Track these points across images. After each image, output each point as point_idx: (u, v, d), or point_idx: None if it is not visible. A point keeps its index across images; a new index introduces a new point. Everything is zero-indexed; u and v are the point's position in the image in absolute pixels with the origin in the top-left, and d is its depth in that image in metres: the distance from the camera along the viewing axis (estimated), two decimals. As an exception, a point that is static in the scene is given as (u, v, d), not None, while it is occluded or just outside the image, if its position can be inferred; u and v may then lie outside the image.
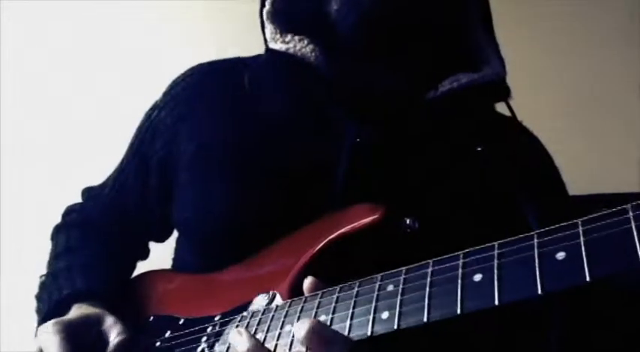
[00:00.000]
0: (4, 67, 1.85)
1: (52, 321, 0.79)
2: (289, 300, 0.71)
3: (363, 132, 0.79)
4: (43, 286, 0.91)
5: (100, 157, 1.76)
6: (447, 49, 0.85)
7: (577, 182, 0.94)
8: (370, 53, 0.82)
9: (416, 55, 0.83)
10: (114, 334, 0.79)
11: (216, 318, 0.77)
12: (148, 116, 0.95)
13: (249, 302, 0.75)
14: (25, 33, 1.88)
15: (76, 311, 0.83)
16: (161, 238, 1.02)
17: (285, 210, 0.79)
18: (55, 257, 0.95)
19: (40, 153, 1.82)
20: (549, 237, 0.52)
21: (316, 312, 0.66)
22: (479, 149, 0.83)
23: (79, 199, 1.06)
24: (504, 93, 0.86)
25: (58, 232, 1.00)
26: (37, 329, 0.84)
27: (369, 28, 0.79)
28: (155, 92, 0.96)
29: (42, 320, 0.84)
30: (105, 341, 0.79)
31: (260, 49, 0.89)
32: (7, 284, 1.70)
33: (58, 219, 1.04)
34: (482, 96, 0.85)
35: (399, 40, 0.81)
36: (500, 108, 0.90)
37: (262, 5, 0.87)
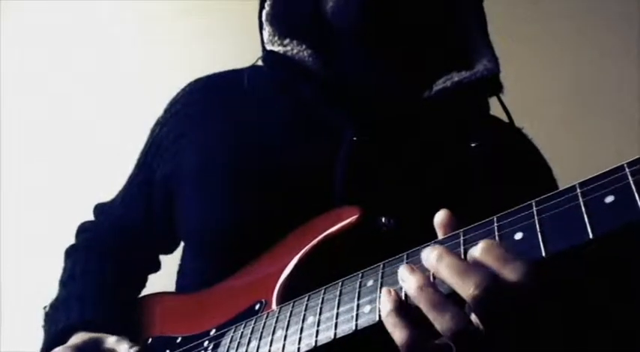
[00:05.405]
0: (4, 67, 1.87)
1: (59, 348, 0.82)
2: (279, 306, 0.74)
3: (360, 132, 0.81)
4: (47, 317, 0.94)
5: (97, 158, 1.77)
6: (441, 49, 0.88)
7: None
8: (365, 52, 0.84)
9: (411, 55, 0.85)
10: (124, 348, 0.82)
11: (212, 332, 0.80)
12: (152, 132, 1.00)
13: (243, 313, 0.78)
14: (25, 35, 1.91)
15: (75, 339, 0.85)
16: (168, 250, 1.05)
17: (286, 215, 0.81)
18: (61, 283, 0.99)
19: (40, 154, 1.84)
20: (507, 220, 0.56)
21: (304, 315, 0.69)
22: (473, 145, 0.85)
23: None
24: (496, 89, 0.88)
25: (68, 255, 1.04)
26: None
27: (363, 19, 0.81)
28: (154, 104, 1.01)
29: (42, 350, 0.88)
30: None
31: (252, 50, 0.91)
32: (7, 285, 1.71)
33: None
34: (475, 92, 0.86)
35: (393, 39, 0.83)
36: (495, 105, 0.91)
37: (262, 7, 0.89)
